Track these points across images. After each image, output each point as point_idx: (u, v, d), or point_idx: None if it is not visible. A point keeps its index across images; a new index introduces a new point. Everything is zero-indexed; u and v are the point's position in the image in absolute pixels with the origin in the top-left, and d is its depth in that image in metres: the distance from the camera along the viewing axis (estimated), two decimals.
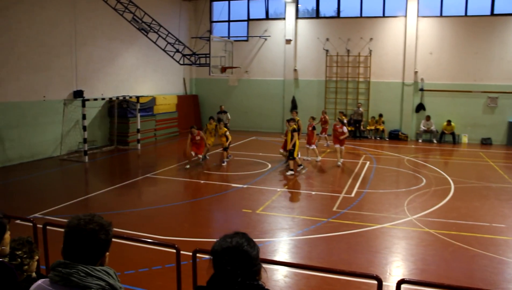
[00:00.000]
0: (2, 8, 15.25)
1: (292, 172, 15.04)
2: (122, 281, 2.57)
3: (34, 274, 3.91)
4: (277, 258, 8.21)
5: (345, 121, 18.96)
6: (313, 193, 12.81)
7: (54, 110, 17.57)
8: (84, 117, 17.09)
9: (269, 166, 16.41)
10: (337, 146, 16.75)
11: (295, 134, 15.09)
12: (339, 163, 16.65)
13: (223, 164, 16.57)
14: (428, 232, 9.59)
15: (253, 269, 2.41)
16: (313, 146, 17.16)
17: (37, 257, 3.99)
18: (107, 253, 2.50)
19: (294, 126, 15.38)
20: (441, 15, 23.47)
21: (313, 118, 17.57)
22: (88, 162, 16.95)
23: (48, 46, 17.17)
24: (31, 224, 6.32)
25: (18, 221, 7.85)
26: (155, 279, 7.22)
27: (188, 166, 15.86)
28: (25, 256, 3.81)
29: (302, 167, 15.53)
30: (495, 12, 22.63)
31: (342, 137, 16.61)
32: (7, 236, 2.95)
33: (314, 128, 17.20)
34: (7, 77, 15.62)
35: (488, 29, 22.69)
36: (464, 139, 23.44)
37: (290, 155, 15.13)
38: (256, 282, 2.42)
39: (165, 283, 6.93)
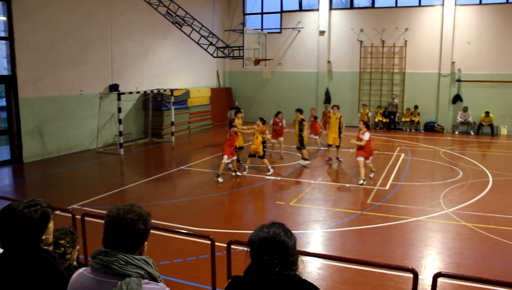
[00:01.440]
0: (41, 5, 15.65)
1: (307, 161, 15.15)
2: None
3: (75, 263, 4.04)
4: (310, 250, 8.20)
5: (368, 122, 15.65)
6: (347, 185, 12.71)
7: (90, 103, 17.95)
8: (119, 110, 17.41)
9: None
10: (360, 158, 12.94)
11: (305, 123, 15.71)
12: (370, 176, 13.60)
13: (244, 172, 14.32)
14: (465, 226, 9.40)
15: (290, 259, 2.42)
16: (317, 136, 17.87)
17: (78, 247, 4.11)
18: (146, 243, 2.56)
19: (301, 116, 15.89)
20: (480, 3, 22.80)
21: (314, 109, 18.72)
22: (124, 155, 17.27)
23: (85, 41, 17.53)
24: (70, 215, 6.50)
25: (57, 212, 8.06)
26: (190, 269, 7.32)
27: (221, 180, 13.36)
28: (67, 245, 3.93)
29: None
30: None
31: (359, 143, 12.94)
32: (51, 225, 3.05)
33: (316, 118, 18.02)
34: (47, 73, 16.04)
35: None
36: (503, 131, 22.79)
37: (301, 144, 15.35)
38: (293, 273, 2.43)
39: (200, 273, 7.02)
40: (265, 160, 14.18)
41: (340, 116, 15.59)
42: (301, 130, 15.58)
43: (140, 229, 2.47)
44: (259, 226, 2.52)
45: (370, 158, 13.10)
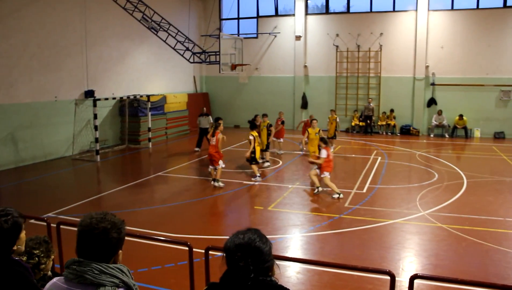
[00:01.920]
0: (14, 9, 15.39)
1: (258, 178, 13.89)
2: (135, 279, 2.59)
3: (49, 273, 3.97)
4: (289, 254, 8.22)
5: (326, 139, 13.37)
6: (325, 189, 12.76)
7: (65, 110, 17.69)
8: (95, 116, 17.20)
9: (280, 163, 16.41)
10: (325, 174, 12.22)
11: (272, 129, 16.49)
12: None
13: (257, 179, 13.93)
14: (441, 227, 9.53)
15: (265, 265, 2.41)
16: (281, 140, 17.94)
17: (53, 256, 4.04)
18: (120, 251, 2.52)
19: (268, 121, 16.47)
20: (452, 9, 23.28)
21: (282, 113, 18.80)
22: (100, 161, 17.07)
23: (59, 47, 17.30)
24: (45, 223, 6.39)
25: (32, 221, 7.92)
26: (168, 276, 7.26)
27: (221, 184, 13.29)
28: (42, 255, 3.86)
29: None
30: (508, 4, 22.38)
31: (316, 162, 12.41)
32: (23, 235, 2.99)
33: (283, 122, 18.14)
34: (19, 78, 15.77)
35: (501, 22, 22.47)
36: (477, 134, 23.24)
37: (253, 159, 14.02)
38: (269, 278, 2.42)
39: (178, 280, 6.97)
40: (254, 166, 14.05)
41: (319, 130, 15.23)
42: (269, 134, 16.19)
43: (113, 237, 2.43)
44: (235, 232, 2.51)
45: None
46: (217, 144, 13.11)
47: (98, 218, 2.43)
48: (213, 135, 13.32)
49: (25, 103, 16.03)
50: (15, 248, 2.89)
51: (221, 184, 13.02)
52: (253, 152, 13.81)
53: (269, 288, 2.39)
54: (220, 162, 13.14)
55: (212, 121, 18.64)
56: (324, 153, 12.01)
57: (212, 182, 13.24)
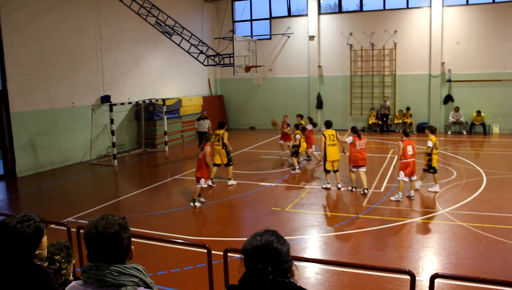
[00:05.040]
0: (30, 19, 15.63)
1: (232, 181, 13.87)
2: (155, 282, 2.62)
3: (71, 277, 4.01)
4: (307, 255, 8.20)
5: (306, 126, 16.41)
6: (342, 188, 12.70)
7: (82, 116, 17.89)
8: (112, 121, 17.36)
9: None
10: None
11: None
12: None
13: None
14: (461, 225, 9.42)
15: (283, 266, 2.41)
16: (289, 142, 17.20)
17: (74, 261, 4.08)
18: (132, 247, 2.57)
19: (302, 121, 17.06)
20: (467, 3, 22.99)
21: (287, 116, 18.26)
22: (117, 166, 17.22)
23: (74, 53, 17.51)
24: (65, 228, 6.46)
25: (52, 226, 8.02)
26: (187, 279, 7.29)
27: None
28: (63, 260, 3.90)
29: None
30: None
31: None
32: (45, 240, 3.03)
33: (288, 125, 17.79)
34: (37, 86, 15.99)
35: None
36: (495, 130, 22.92)
37: (229, 161, 13.90)
38: (287, 280, 2.42)
39: (197, 283, 6.99)
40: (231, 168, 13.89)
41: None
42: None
43: (124, 238, 2.47)
44: (252, 234, 2.51)
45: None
46: (203, 158, 11.50)
47: (103, 225, 2.45)
48: (202, 149, 11.66)
49: (43, 109, 16.25)
50: (37, 253, 2.93)
51: (197, 203, 11.54)
52: (298, 145, 14.91)
53: (288, 289, 2.38)
54: (202, 181, 11.50)
55: (210, 125, 18.22)
56: (349, 139, 12.35)
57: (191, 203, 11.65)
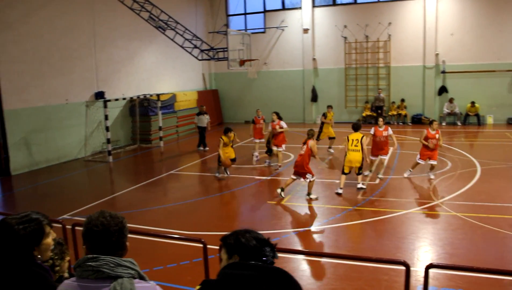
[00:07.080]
0: (24, 15, 15.53)
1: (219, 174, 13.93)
2: (151, 277, 2.66)
3: (66, 274, 4.00)
4: (304, 247, 8.23)
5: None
6: (337, 181, 12.73)
7: (77, 112, 17.84)
8: (106, 117, 17.31)
9: (292, 156, 16.39)
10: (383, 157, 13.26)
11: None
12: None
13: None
14: (456, 216, 9.48)
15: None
16: (281, 148, 15.17)
17: (68, 258, 4.08)
18: (127, 242, 2.64)
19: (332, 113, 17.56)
20: None
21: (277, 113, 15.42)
22: (113, 162, 17.19)
23: (68, 50, 17.41)
24: (60, 225, 6.45)
25: None
26: (184, 274, 7.30)
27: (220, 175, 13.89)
28: (56, 257, 3.90)
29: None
30: None
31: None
32: (46, 241, 3.03)
33: (264, 120, 16.75)
34: (31, 83, 15.90)
35: None
36: (489, 120, 23.02)
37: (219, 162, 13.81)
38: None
39: (194, 277, 6.99)
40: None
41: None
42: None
43: (125, 235, 2.57)
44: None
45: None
46: (307, 152, 11.24)
47: (103, 222, 2.51)
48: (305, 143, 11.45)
49: (37, 107, 16.18)
50: (35, 253, 2.93)
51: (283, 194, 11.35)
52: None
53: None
54: (309, 175, 11.18)
55: (209, 120, 18.25)
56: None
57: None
